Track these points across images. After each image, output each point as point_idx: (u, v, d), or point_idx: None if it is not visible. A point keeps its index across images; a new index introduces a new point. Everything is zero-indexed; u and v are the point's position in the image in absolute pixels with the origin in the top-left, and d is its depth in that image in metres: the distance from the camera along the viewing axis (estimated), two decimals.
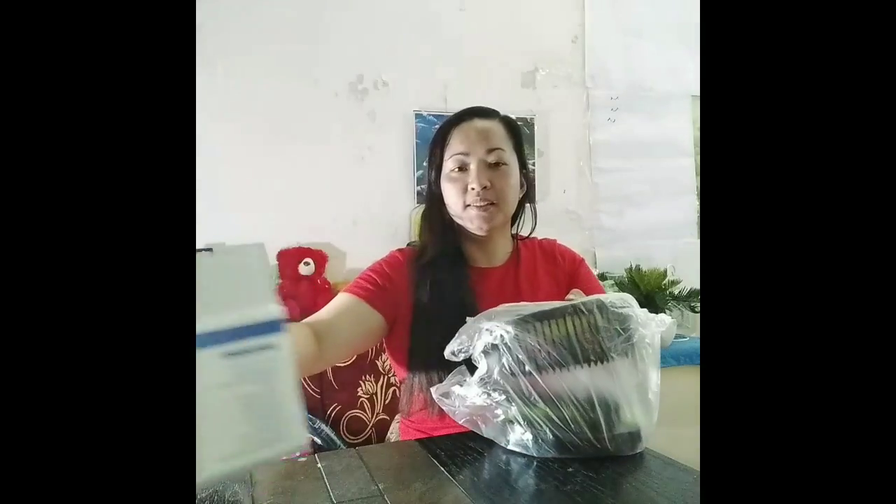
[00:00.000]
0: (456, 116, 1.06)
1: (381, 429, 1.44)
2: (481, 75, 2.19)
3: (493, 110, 1.09)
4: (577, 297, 0.79)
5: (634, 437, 0.72)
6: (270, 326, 0.53)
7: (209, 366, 0.46)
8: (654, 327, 0.73)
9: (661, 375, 0.74)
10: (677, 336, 2.05)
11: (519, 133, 1.10)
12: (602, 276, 2.21)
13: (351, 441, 1.45)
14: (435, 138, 1.07)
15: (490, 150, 1.01)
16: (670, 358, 1.85)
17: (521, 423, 0.71)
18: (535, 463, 0.71)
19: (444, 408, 0.76)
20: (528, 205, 1.13)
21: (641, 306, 0.75)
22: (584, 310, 0.70)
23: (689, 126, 2.45)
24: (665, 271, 2.10)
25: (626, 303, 0.73)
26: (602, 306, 0.71)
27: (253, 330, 0.50)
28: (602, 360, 0.70)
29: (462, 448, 0.77)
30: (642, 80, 2.40)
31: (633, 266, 2.15)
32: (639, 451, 0.72)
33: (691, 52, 2.30)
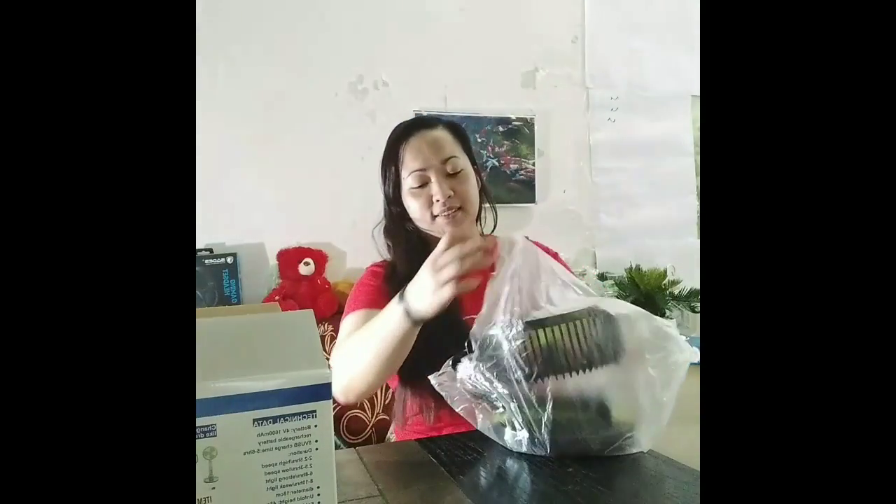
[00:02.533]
0: (401, 131, 1.07)
1: (381, 429, 1.44)
2: (481, 75, 2.19)
3: (436, 118, 1.10)
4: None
5: (631, 440, 0.72)
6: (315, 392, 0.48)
7: (244, 431, 0.44)
8: (689, 356, 0.73)
9: None
10: None
11: (465, 135, 1.12)
12: (602, 276, 2.21)
13: (351, 441, 1.45)
14: (386, 156, 1.08)
15: (445, 161, 1.03)
16: None
17: (519, 423, 0.71)
18: (534, 463, 0.71)
19: (442, 393, 0.75)
20: (487, 205, 1.14)
21: (641, 306, 0.75)
22: (585, 315, 0.71)
23: (689, 126, 2.45)
24: (665, 271, 2.10)
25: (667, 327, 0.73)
26: (608, 317, 0.71)
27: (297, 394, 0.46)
28: (604, 363, 0.70)
29: (462, 448, 0.77)
30: (642, 80, 2.40)
31: (633, 266, 2.15)
32: (635, 451, 0.72)
33: (691, 52, 2.30)
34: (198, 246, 1.86)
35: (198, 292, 1.82)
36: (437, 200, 1.01)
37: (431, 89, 2.15)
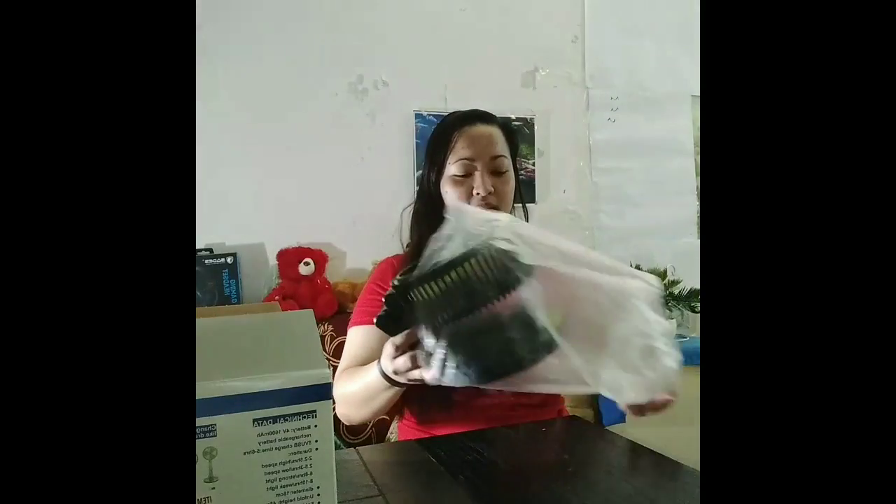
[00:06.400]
0: (459, 119, 1.07)
1: (381, 429, 1.44)
2: (481, 75, 2.19)
3: (493, 115, 1.11)
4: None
5: (552, 344, 0.66)
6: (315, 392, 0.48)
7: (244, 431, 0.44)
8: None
9: None
10: (677, 336, 2.05)
11: (516, 138, 1.13)
12: None
13: (351, 441, 1.45)
14: (437, 140, 1.07)
15: (494, 158, 1.04)
16: None
17: (447, 359, 0.68)
18: (534, 462, 0.71)
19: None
20: (519, 204, 1.15)
21: None
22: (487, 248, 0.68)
23: (689, 126, 2.45)
24: (665, 271, 2.10)
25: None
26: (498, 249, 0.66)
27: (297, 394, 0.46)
28: (513, 288, 0.67)
29: (462, 448, 0.77)
30: (642, 80, 2.40)
31: (633, 266, 2.15)
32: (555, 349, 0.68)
33: (691, 52, 2.30)
34: (198, 246, 1.86)
35: (198, 292, 1.82)
36: (478, 194, 1.02)
37: (431, 89, 2.15)
